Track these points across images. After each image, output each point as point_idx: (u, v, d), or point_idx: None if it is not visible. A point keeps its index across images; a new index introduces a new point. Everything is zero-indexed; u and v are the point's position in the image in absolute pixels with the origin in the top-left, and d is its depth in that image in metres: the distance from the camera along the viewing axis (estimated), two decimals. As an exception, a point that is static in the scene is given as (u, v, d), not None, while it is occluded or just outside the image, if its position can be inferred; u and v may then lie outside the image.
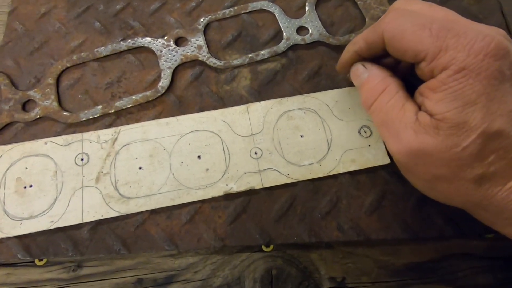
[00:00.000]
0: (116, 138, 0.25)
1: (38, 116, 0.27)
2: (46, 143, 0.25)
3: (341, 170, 0.25)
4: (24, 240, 0.24)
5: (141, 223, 0.24)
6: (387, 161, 0.26)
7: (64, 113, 0.27)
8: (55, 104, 0.27)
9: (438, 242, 0.25)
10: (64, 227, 0.24)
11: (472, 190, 0.19)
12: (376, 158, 0.26)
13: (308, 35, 0.30)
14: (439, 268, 0.24)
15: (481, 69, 0.17)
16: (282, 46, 0.30)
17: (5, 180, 0.24)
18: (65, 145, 0.25)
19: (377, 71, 0.22)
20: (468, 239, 0.25)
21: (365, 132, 0.26)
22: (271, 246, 0.25)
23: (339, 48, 0.30)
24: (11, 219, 0.23)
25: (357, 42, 0.23)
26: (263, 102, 0.27)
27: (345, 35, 0.30)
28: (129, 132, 0.26)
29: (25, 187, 0.24)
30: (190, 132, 0.26)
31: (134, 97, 0.28)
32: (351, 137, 0.26)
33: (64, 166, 0.25)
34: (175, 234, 0.24)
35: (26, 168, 0.25)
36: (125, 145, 0.25)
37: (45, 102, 0.27)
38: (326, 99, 0.27)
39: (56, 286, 0.23)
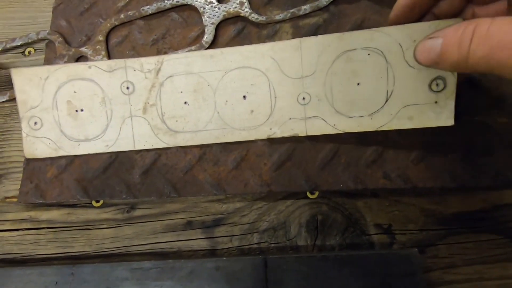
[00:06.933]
0: (160, 69, 0.25)
1: (90, 71, 0.28)
2: (90, 67, 0.26)
3: (394, 127, 0.23)
4: (82, 183, 0.25)
5: (190, 169, 0.25)
6: (450, 122, 0.22)
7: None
8: (106, 59, 0.28)
9: (488, 192, 0.24)
10: (118, 171, 0.25)
11: None
12: (439, 117, 0.23)
13: (350, -11, 0.30)
14: (489, 218, 0.24)
15: None
16: (324, 0, 0.29)
17: (56, 102, 0.26)
18: (109, 72, 0.26)
19: (454, 26, 0.18)
20: (521, 189, 0.24)
21: (437, 85, 0.22)
22: (316, 193, 0.25)
23: (383, 1, 0.29)
24: (69, 139, 0.25)
25: None
26: (320, 37, 0.23)
27: (389, -12, 0.30)
28: (173, 62, 0.25)
29: (76, 111, 0.25)
30: (235, 69, 0.25)
31: (179, 52, 0.28)
32: (417, 89, 0.23)
33: (111, 94, 0.25)
34: (222, 179, 0.25)
35: (75, 92, 0.25)
36: (169, 76, 0.25)
37: (96, 57, 0.29)
38: (402, 37, 0.22)
39: (112, 225, 0.25)
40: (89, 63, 0.26)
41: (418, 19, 0.22)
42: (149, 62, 0.26)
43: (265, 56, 0.25)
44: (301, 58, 0.24)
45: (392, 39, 0.23)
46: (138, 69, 0.25)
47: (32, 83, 0.26)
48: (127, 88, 0.25)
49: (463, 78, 0.24)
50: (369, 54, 0.23)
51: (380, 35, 0.23)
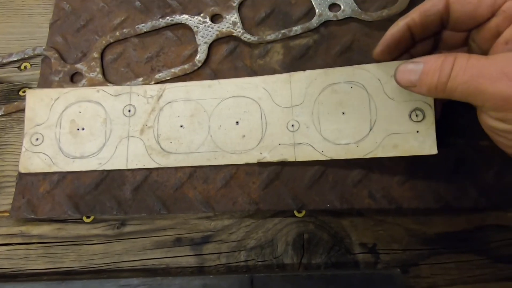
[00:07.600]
0: (161, 95, 0.27)
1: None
2: (98, 91, 0.27)
3: (380, 155, 0.24)
4: (74, 199, 0.26)
5: (180, 186, 0.26)
6: (434, 151, 0.23)
7: (108, 85, 0.29)
8: (100, 76, 0.29)
9: (471, 213, 0.25)
10: (109, 187, 0.26)
11: None
12: (423, 146, 0.23)
13: (340, 11, 0.31)
14: (471, 239, 0.24)
15: None
16: (315, 22, 0.30)
17: (61, 120, 0.27)
18: (115, 96, 0.27)
19: (434, 55, 0.20)
20: (502, 211, 0.25)
21: (416, 116, 0.24)
22: (303, 212, 0.25)
23: (372, 24, 0.30)
24: (65, 156, 0.26)
25: (409, 14, 0.22)
26: (307, 72, 0.26)
27: (378, 11, 0.31)
28: (174, 90, 0.27)
29: (78, 129, 0.26)
30: (230, 97, 0.26)
31: (172, 69, 0.29)
32: (399, 119, 0.24)
33: (113, 115, 0.27)
34: (211, 197, 0.25)
35: (80, 112, 0.27)
36: (169, 102, 0.27)
37: (91, 74, 0.29)
38: (380, 73, 0.24)
39: (102, 241, 0.25)
40: (97, 87, 0.27)
41: (397, 57, 0.24)
42: (152, 89, 0.27)
43: (258, 87, 0.27)
44: (291, 90, 0.26)
45: (371, 74, 0.25)
46: (142, 94, 0.27)
47: (42, 103, 0.27)
48: (129, 110, 0.27)
49: (441, 106, 0.25)
50: (351, 87, 0.25)
51: (360, 71, 0.25)
